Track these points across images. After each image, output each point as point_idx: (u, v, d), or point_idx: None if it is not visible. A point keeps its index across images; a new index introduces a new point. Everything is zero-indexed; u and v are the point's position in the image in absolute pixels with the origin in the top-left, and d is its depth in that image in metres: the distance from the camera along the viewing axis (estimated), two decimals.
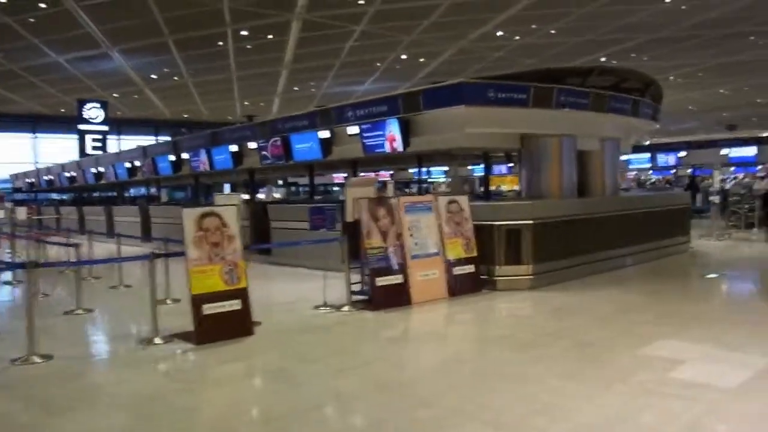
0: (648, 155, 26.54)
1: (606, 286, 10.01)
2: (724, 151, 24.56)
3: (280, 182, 32.56)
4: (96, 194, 30.30)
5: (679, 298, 9.27)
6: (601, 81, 12.31)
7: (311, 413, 4.88)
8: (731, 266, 12.70)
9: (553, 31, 24.07)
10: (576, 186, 11.87)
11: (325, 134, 12.55)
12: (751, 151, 23.77)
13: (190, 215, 7.38)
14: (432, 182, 30.72)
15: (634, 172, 30.93)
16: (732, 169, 24.38)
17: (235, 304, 7.42)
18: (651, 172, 32.44)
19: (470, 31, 23.53)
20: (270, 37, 23.31)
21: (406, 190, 27.40)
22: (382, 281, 8.96)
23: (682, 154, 25.20)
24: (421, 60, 26.87)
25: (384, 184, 13.51)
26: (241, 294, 7.59)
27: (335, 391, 5.46)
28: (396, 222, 9.27)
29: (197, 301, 7.16)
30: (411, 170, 24.05)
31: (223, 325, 7.27)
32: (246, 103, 35.32)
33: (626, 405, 4.88)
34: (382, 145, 11.36)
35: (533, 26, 23.48)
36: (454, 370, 6.07)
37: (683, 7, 21.72)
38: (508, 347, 6.80)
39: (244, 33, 22.76)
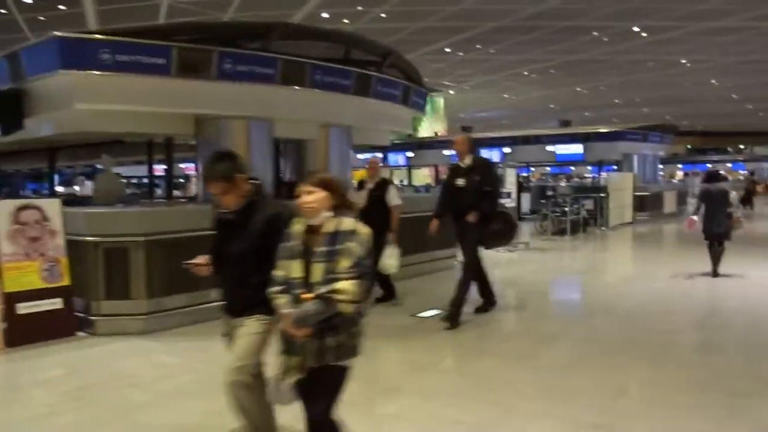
0: None
1: None
2: (550, 148, 21.77)
3: None
4: None
5: None
6: (321, 50, 9.02)
7: None
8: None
9: (383, 15, 20.88)
10: (276, 186, 8.55)
11: None
12: (578, 148, 21.04)
13: None
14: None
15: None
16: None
17: None
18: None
19: (293, 12, 20.13)
20: (62, 7, 19.40)
21: None
22: None
23: (507, 150, 22.30)
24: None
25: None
26: None
27: None
28: None
29: None
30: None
31: None
32: None
33: None
34: None
35: (359, 8, 20.24)
36: None
37: None
38: None
39: (28, 0, 18.79)
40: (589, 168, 29.79)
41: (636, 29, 22.16)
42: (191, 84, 7.32)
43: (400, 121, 10.54)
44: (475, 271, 6.88)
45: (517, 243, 13.38)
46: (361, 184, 7.65)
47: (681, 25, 21.41)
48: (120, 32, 7.27)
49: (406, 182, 29.37)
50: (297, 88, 8.10)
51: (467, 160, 6.86)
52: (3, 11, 19.14)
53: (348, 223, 2.94)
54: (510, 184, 13.00)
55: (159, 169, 18.15)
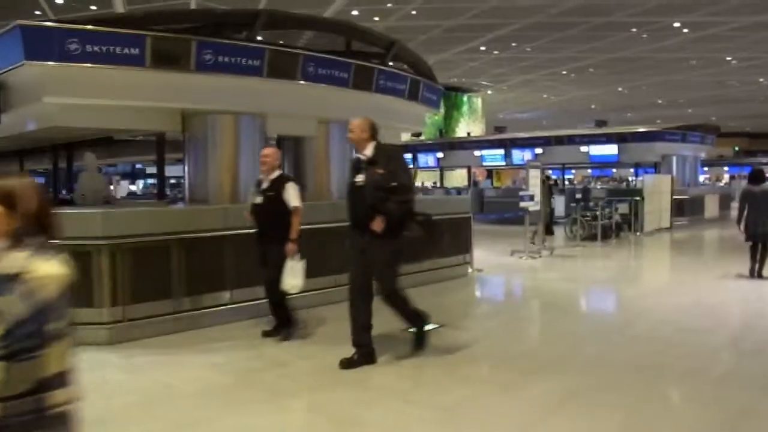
0: (502, 151, 22.51)
1: (221, 351, 5.93)
2: (583, 149, 20.55)
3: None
4: None
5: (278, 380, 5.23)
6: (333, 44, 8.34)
7: None
8: (484, 306, 8.73)
9: (413, 12, 20.10)
10: None
11: None
12: (612, 149, 19.78)
13: None
14: None
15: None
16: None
17: None
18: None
19: (322, 9, 19.48)
20: (94, 7, 19.31)
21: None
22: None
23: (539, 151, 21.15)
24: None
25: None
26: None
27: None
28: None
29: None
30: None
31: None
32: None
33: None
34: None
35: (389, 5, 19.52)
36: None
37: None
38: None
39: (59, 1, 18.80)
40: (631, 170, 28.34)
41: (677, 25, 20.83)
42: (169, 76, 6.72)
43: (411, 118, 9.72)
44: (399, 294, 5.28)
45: (541, 249, 12.47)
46: (258, 183, 6.02)
47: (725, 20, 20.03)
48: (91, 20, 6.68)
49: (438, 184, 28.41)
50: (287, 80, 7.39)
51: (368, 151, 5.06)
52: (37, 12, 19.10)
53: (14, 260, 1.77)
54: (533, 186, 12.00)
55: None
